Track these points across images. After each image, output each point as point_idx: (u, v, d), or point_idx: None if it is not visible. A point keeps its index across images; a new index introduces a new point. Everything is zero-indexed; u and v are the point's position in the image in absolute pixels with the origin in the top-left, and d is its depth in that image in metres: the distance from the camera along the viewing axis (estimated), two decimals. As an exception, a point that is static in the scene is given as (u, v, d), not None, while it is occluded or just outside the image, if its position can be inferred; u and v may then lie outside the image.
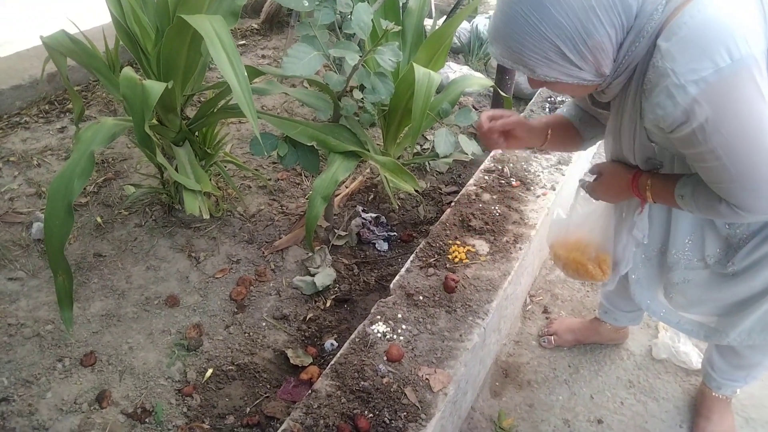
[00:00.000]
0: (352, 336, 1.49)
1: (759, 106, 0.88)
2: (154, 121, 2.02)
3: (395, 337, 1.48)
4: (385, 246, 2.32)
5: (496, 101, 2.99)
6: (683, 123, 0.92)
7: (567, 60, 0.95)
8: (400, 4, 2.26)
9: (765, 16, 0.88)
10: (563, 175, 2.13)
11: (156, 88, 1.58)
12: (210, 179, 2.28)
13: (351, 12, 1.66)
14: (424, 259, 1.74)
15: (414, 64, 1.79)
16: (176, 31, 1.69)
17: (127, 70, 1.59)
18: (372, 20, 1.87)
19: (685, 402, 1.78)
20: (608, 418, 1.74)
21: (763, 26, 0.88)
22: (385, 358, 1.42)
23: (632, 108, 1.07)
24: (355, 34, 1.68)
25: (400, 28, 1.72)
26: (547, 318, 2.07)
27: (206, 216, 1.86)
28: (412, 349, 1.46)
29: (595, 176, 1.35)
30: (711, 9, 0.86)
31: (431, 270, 1.70)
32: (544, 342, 1.94)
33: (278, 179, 2.56)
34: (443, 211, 2.12)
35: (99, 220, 2.30)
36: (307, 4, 1.67)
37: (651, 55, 0.94)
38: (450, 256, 1.75)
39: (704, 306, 1.40)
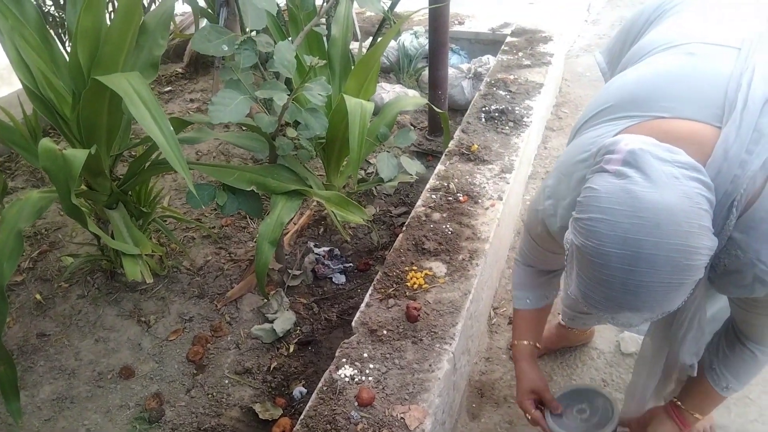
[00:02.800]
0: (319, 385, 1.43)
1: None
2: (83, 186, 1.93)
3: (364, 378, 1.43)
4: (342, 279, 2.27)
5: (432, 118, 3.00)
6: None
7: (696, 280, 0.88)
8: (324, 36, 2.23)
9: None
10: (508, 183, 2.13)
11: (78, 156, 1.49)
12: (150, 237, 2.19)
13: (272, 51, 1.62)
14: (382, 290, 1.70)
15: (345, 96, 1.76)
16: (93, 93, 1.62)
17: (45, 142, 1.50)
18: (297, 55, 1.84)
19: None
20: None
21: None
22: (356, 403, 1.36)
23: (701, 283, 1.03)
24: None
25: (325, 62, 1.68)
26: (513, 329, 2.05)
27: (149, 280, 1.77)
28: (383, 388, 1.41)
29: None
30: None
31: (391, 301, 1.66)
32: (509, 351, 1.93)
33: (222, 226, 2.48)
34: (396, 234, 2.10)
35: (38, 296, 2.17)
36: (226, 49, 1.62)
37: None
38: (408, 284, 1.72)
39: None
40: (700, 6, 1.17)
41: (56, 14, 3.01)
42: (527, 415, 1.42)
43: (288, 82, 1.87)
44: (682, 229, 0.80)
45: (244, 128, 2.60)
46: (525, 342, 1.46)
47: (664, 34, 1.13)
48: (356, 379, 1.43)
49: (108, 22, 1.75)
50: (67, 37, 2.86)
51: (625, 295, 0.84)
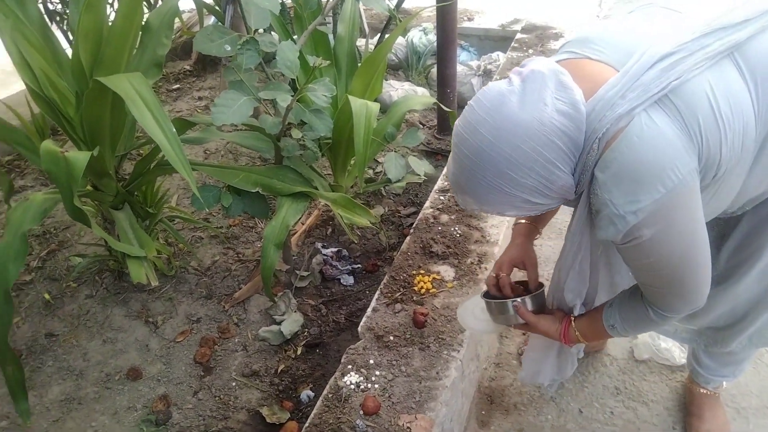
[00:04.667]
0: (324, 392, 1.41)
1: (693, 224, 0.97)
2: (89, 187, 1.92)
3: (369, 386, 1.41)
4: (350, 280, 2.25)
5: (441, 116, 2.96)
6: (627, 242, 0.97)
7: (535, 204, 0.99)
8: (330, 34, 2.20)
9: (690, 134, 0.90)
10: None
11: (80, 159, 1.48)
12: (157, 237, 2.19)
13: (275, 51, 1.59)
14: (389, 295, 1.68)
15: (350, 97, 1.73)
16: (95, 94, 1.60)
17: (47, 144, 1.49)
18: (302, 55, 1.81)
19: (675, 402, 1.74)
20: (600, 431, 1.69)
21: (689, 144, 0.90)
22: (361, 412, 1.34)
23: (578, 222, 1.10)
24: (285, 72, 1.61)
25: (329, 62, 1.65)
26: (524, 334, 2.02)
27: (154, 282, 1.75)
28: (389, 396, 1.38)
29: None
30: (639, 144, 0.89)
31: (398, 306, 1.64)
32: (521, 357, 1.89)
33: (230, 226, 2.46)
34: (405, 235, 2.07)
35: (47, 296, 2.17)
36: (229, 49, 1.59)
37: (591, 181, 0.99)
38: (416, 288, 1.69)
39: (707, 317, 1.38)
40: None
41: (62, 12, 3.00)
42: (491, 274, 1.41)
43: (294, 81, 1.85)
44: (516, 142, 0.91)
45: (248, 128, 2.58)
46: (523, 221, 1.45)
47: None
48: (362, 387, 1.41)
49: (110, 22, 1.73)
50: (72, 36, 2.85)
51: (461, 177, 0.99)
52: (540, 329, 1.29)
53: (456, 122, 1.00)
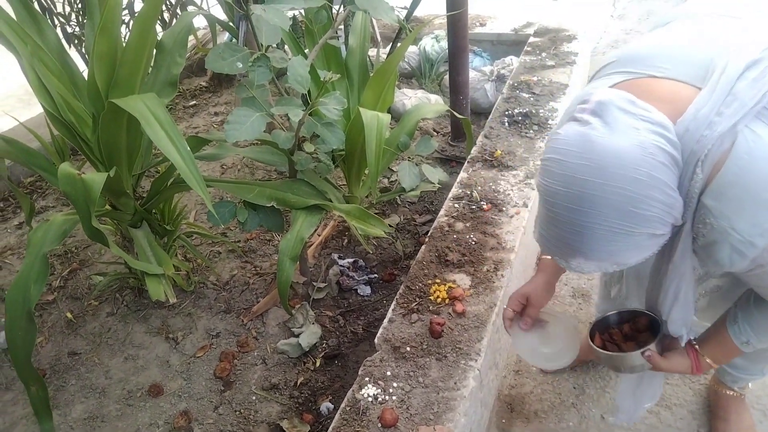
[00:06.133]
0: (342, 405, 1.41)
1: None
2: (107, 207, 1.95)
3: (387, 398, 1.40)
4: (368, 290, 2.25)
5: (455, 123, 2.96)
6: (755, 267, 0.92)
7: (659, 237, 0.89)
8: (342, 46, 2.22)
9: None
10: (533, 189, 2.08)
11: (97, 180, 1.50)
12: (176, 254, 2.21)
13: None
14: (405, 305, 1.67)
15: (361, 110, 1.74)
16: (110, 116, 1.63)
17: (64, 166, 1.52)
18: (313, 69, 1.82)
19: (699, 405, 1.71)
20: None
21: None
22: (379, 424, 1.34)
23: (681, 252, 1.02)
24: (297, 87, 1.62)
25: (338, 76, 1.66)
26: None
27: (172, 300, 1.78)
28: (407, 408, 1.38)
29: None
30: (752, 162, 0.84)
31: (414, 316, 1.63)
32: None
33: (247, 239, 2.48)
34: (421, 243, 2.06)
35: (69, 315, 2.20)
36: (240, 66, 1.61)
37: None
38: (432, 297, 1.69)
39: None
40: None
41: (80, 34, 3.06)
42: (504, 309, 1.41)
43: (307, 95, 1.86)
44: (629, 174, 0.81)
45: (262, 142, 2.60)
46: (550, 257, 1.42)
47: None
48: (379, 399, 1.40)
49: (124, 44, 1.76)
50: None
51: (573, 236, 0.87)
52: (672, 369, 1.25)
53: (538, 183, 0.91)
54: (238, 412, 1.83)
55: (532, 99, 2.68)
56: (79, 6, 3.05)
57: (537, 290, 1.39)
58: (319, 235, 2.47)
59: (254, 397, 1.87)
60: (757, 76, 0.85)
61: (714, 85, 0.87)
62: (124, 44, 1.73)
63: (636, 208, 0.83)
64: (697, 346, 1.26)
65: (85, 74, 1.88)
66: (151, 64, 1.89)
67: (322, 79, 1.58)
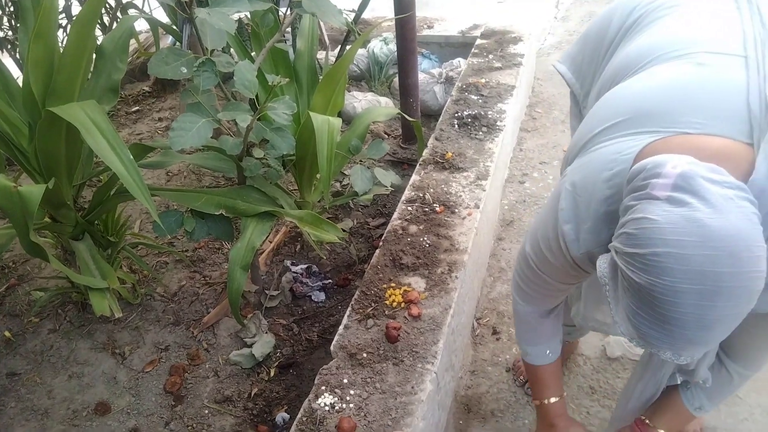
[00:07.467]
0: (298, 416, 1.38)
1: None
2: (46, 219, 1.86)
3: (344, 406, 1.38)
4: (322, 296, 2.22)
5: (406, 126, 2.96)
6: None
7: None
8: (290, 49, 2.19)
9: None
10: (484, 190, 2.10)
11: (35, 192, 1.43)
12: (120, 266, 2.13)
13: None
14: (360, 310, 1.66)
15: (311, 114, 1.72)
16: (48, 125, 1.55)
17: (0, 179, 1.44)
18: (261, 73, 1.79)
19: None
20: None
21: None
22: (337, 433, 1.32)
23: None
24: (244, 91, 1.58)
25: (287, 80, 1.63)
26: (497, 339, 2.02)
27: (117, 314, 1.71)
28: (365, 415, 1.36)
29: None
30: None
31: (370, 321, 1.62)
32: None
33: (196, 249, 2.42)
34: (375, 247, 2.05)
35: (8, 334, 2.10)
36: (185, 71, 1.56)
37: None
38: (387, 302, 1.67)
39: None
40: (684, 11, 1.11)
41: (13, 39, 2.92)
42: None
43: (255, 100, 1.82)
44: (755, 254, 0.74)
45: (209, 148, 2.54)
46: (555, 399, 1.39)
47: (658, 42, 1.07)
48: (336, 407, 1.38)
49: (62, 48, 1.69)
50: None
51: (699, 332, 0.77)
52: None
53: (643, 283, 0.78)
54: (190, 427, 1.78)
55: (480, 101, 2.70)
56: (11, 10, 2.91)
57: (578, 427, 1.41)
58: (271, 242, 2.42)
59: (207, 411, 1.82)
60: None
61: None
62: (61, 50, 1.66)
63: (759, 286, 0.76)
64: (647, 421, 1.29)
65: (20, 81, 1.79)
66: (91, 70, 1.82)
67: (270, 83, 1.55)
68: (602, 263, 0.87)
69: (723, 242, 0.73)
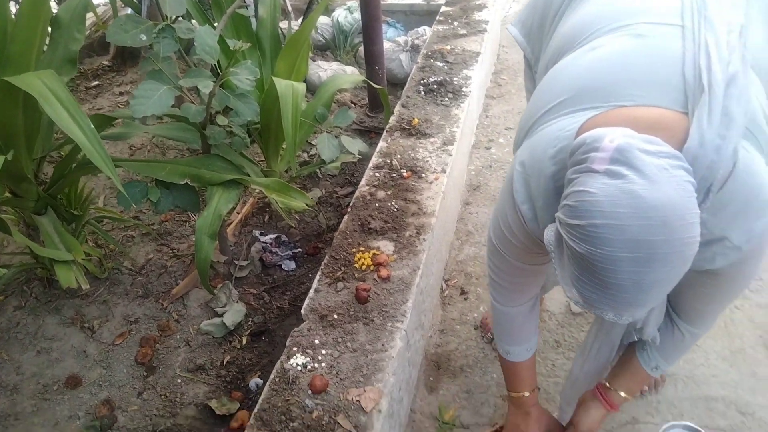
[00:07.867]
0: (271, 376, 1.40)
1: None
2: (7, 194, 1.82)
3: (316, 365, 1.41)
4: (292, 265, 2.23)
5: (372, 94, 2.96)
6: (725, 266, 0.97)
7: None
8: (251, 17, 2.16)
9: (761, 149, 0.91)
10: (451, 155, 2.12)
11: (-8, 164, 1.40)
12: (86, 240, 2.11)
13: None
14: (330, 274, 1.68)
15: (274, 79, 1.71)
16: (4, 95, 1.52)
17: (-46, 150, 1.41)
18: (222, 39, 1.76)
19: None
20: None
21: None
22: (309, 391, 1.34)
23: None
24: (206, 58, 1.57)
25: (249, 45, 1.62)
26: (465, 299, 2.06)
27: (85, 286, 1.70)
28: (337, 373, 1.39)
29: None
30: (749, 178, 0.88)
31: (340, 284, 1.64)
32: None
33: (162, 221, 2.39)
34: (344, 215, 2.07)
35: (-29, 312, 2.06)
36: (144, 38, 1.54)
37: None
38: (357, 265, 1.70)
39: None
40: None
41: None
42: None
43: (217, 66, 1.80)
44: (687, 221, 0.78)
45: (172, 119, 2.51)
46: (527, 393, 1.43)
47: (601, 12, 1.10)
48: (309, 367, 1.41)
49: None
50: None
51: (637, 294, 0.82)
52: (592, 422, 1.37)
53: (583, 252, 0.81)
54: (163, 396, 1.78)
55: (446, 68, 2.71)
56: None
57: (551, 423, 1.46)
58: (238, 213, 2.42)
59: (180, 380, 1.83)
60: (740, 93, 0.86)
61: (707, 107, 0.85)
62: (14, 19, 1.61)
63: (694, 250, 0.81)
64: (607, 384, 1.34)
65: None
66: (47, 42, 1.77)
67: (231, 48, 1.53)
68: (549, 233, 0.91)
69: (656, 212, 0.77)
